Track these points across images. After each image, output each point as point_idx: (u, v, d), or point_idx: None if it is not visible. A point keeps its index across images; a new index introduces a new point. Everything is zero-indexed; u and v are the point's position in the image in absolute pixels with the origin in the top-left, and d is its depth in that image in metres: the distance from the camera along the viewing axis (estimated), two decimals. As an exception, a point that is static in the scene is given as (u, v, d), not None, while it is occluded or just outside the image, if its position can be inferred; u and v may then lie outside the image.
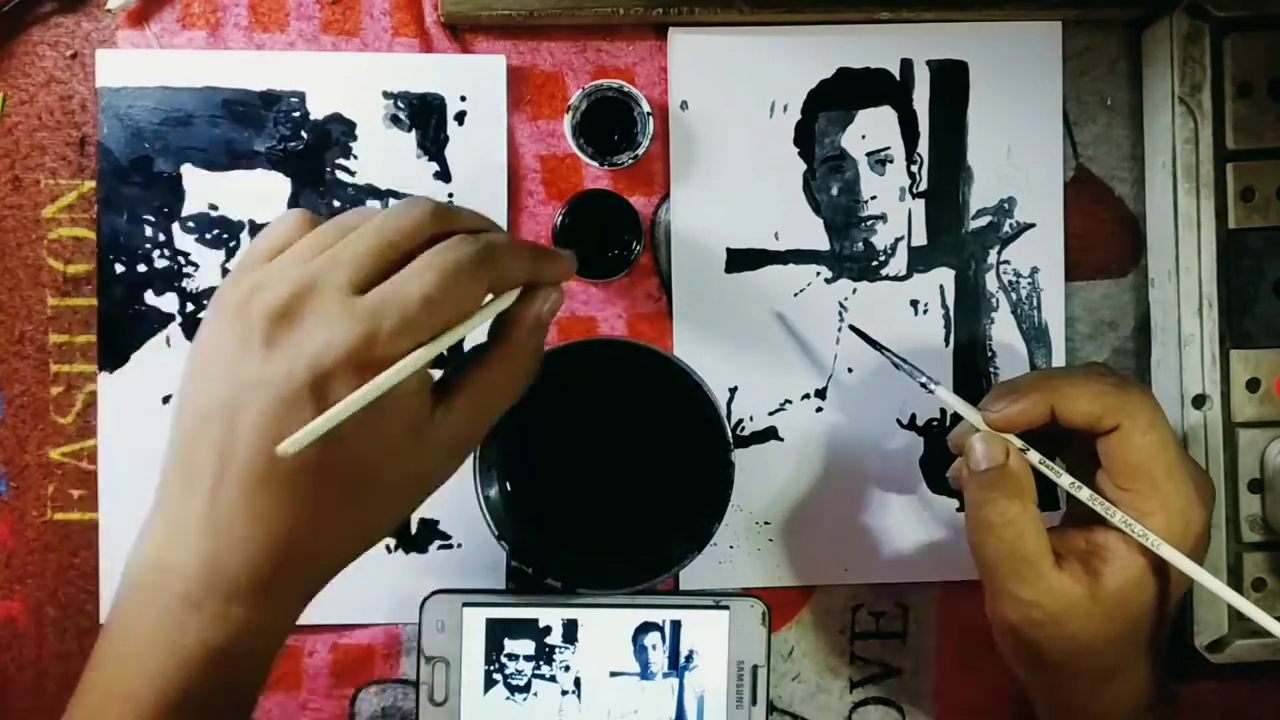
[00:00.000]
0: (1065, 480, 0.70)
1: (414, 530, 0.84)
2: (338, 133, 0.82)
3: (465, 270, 0.61)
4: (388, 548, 0.84)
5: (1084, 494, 0.69)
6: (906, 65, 0.84)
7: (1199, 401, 0.81)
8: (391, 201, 0.82)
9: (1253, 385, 0.81)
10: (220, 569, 0.61)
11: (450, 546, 0.84)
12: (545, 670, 0.83)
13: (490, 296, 0.65)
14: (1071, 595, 0.67)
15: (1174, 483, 0.68)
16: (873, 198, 0.85)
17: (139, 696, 0.61)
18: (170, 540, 0.62)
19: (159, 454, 0.76)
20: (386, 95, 0.82)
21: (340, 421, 0.57)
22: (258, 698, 0.66)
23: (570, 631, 0.83)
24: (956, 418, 0.73)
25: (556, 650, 0.83)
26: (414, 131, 0.83)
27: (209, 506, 0.60)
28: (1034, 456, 0.70)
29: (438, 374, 0.66)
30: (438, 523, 0.84)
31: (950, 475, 0.74)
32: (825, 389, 0.85)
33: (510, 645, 0.82)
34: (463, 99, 0.83)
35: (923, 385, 0.74)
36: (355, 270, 0.60)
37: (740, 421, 0.85)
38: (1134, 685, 0.71)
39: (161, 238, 0.82)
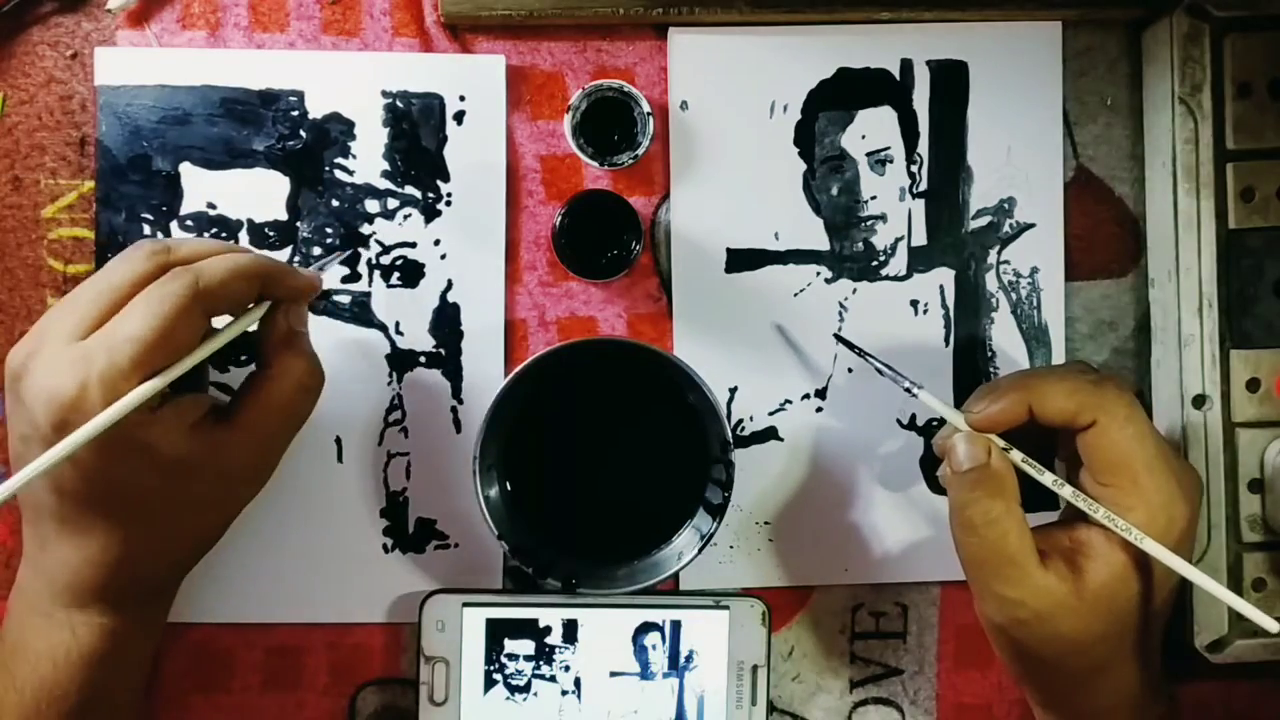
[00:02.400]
0: (1047, 478, 0.70)
1: (411, 530, 0.84)
2: (336, 132, 0.82)
3: (172, 307, 0.64)
4: (384, 547, 0.84)
5: (1066, 490, 0.70)
6: (906, 65, 0.85)
7: (1199, 402, 0.81)
8: (389, 202, 0.82)
9: (1253, 385, 0.81)
10: (57, 584, 0.70)
11: (447, 546, 0.84)
12: (545, 670, 0.83)
13: (228, 319, 0.70)
14: (1056, 593, 0.68)
15: (1154, 477, 0.68)
16: (873, 198, 0.85)
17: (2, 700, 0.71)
18: (25, 567, 0.72)
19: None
20: (385, 95, 0.82)
21: (38, 475, 0.62)
22: (130, 701, 0.76)
23: (570, 631, 0.83)
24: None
25: (556, 650, 0.83)
26: (412, 131, 0.83)
27: (36, 537, 0.70)
28: (1016, 455, 0.70)
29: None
30: (435, 522, 0.84)
31: (939, 475, 0.74)
32: (825, 389, 0.85)
33: (510, 645, 0.82)
34: (461, 99, 0.83)
35: (906, 390, 0.74)
36: (75, 319, 0.65)
37: (740, 421, 0.85)
38: (1126, 683, 0.71)
39: (160, 236, 0.81)
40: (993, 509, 0.68)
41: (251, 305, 0.70)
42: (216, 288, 0.66)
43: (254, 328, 0.71)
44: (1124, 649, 0.70)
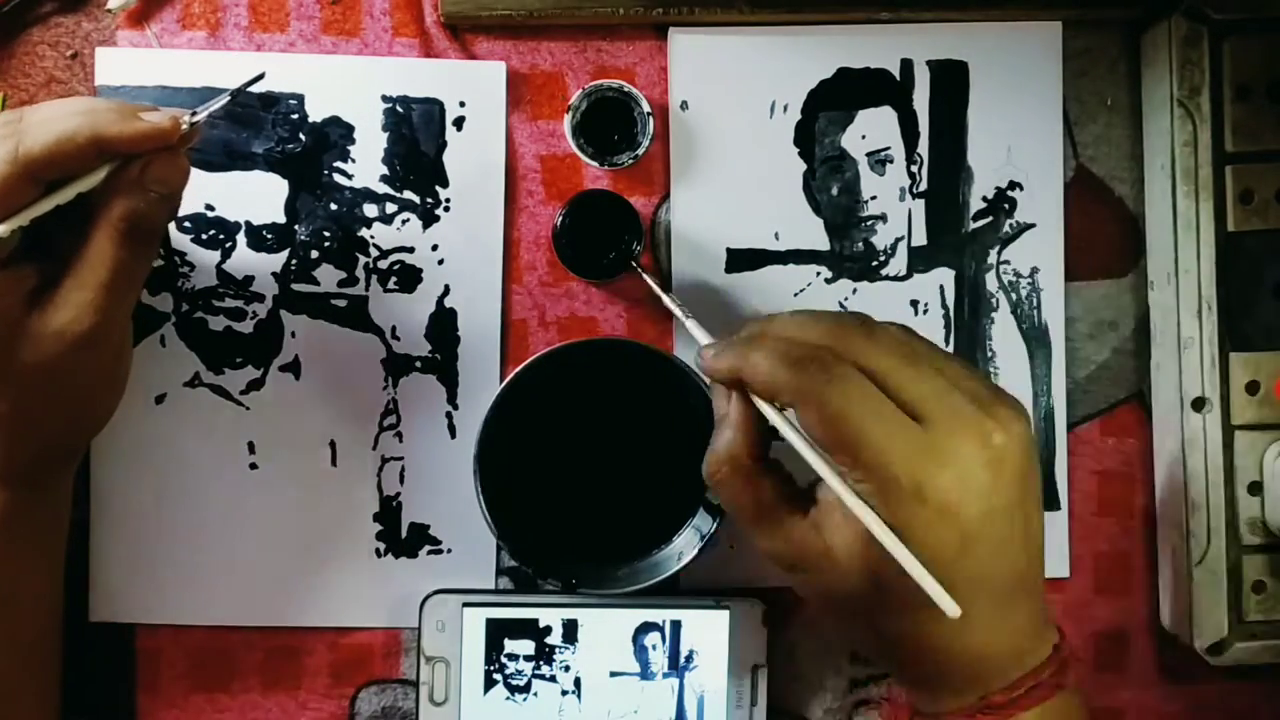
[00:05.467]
0: (794, 438, 0.65)
1: (404, 535, 0.84)
2: (336, 135, 0.82)
3: None
4: (377, 552, 0.84)
5: (808, 454, 0.65)
6: (906, 65, 0.84)
7: (1198, 404, 0.81)
8: (387, 206, 0.83)
9: (1252, 388, 0.81)
10: None
11: (440, 552, 0.84)
12: (545, 670, 0.83)
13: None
14: (803, 543, 0.66)
15: (869, 450, 0.61)
16: (873, 198, 0.85)
17: None
18: None
19: (150, 455, 0.81)
20: (385, 99, 0.82)
21: None
22: (37, 592, 0.76)
23: (570, 631, 0.83)
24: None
25: (556, 650, 0.83)
26: (412, 136, 0.83)
27: None
28: (766, 410, 0.66)
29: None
30: (428, 527, 0.84)
31: None
32: (825, 389, 0.85)
33: (510, 645, 0.82)
34: (461, 105, 0.83)
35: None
36: None
37: (740, 421, 0.85)
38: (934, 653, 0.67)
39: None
40: (729, 461, 0.67)
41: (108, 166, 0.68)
42: (39, 153, 0.63)
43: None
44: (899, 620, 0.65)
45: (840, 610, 0.68)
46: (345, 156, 0.82)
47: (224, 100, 0.71)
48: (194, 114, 0.69)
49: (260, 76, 0.72)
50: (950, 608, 0.60)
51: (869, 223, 0.85)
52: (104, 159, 0.67)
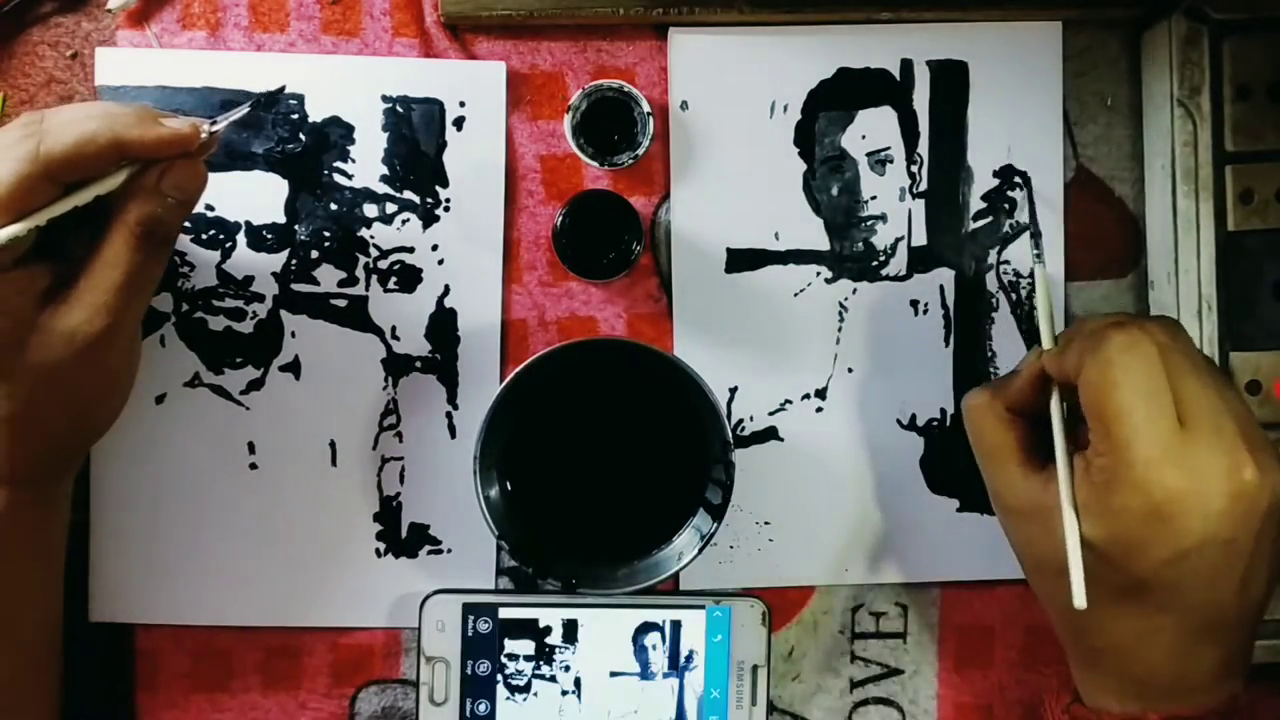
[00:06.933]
0: (1056, 419, 0.70)
1: (404, 534, 0.84)
2: (336, 136, 0.82)
3: (8, 172, 0.64)
4: (377, 552, 0.84)
5: (1056, 422, 0.70)
6: (906, 65, 0.84)
7: (1199, 404, 0.81)
8: (387, 206, 0.83)
9: (1253, 388, 0.81)
10: None
11: (440, 551, 0.84)
12: (545, 670, 0.83)
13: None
14: (1019, 492, 0.71)
15: (1124, 428, 0.63)
16: (873, 198, 0.85)
17: None
18: None
19: (150, 455, 0.81)
20: (385, 99, 0.82)
21: None
22: (38, 589, 0.76)
23: (570, 631, 0.83)
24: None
25: (556, 650, 0.83)
26: (412, 136, 0.83)
27: None
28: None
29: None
30: (428, 527, 0.84)
31: None
32: (825, 389, 0.85)
33: (510, 645, 0.82)
34: (461, 104, 0.83)
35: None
36: None
37: (740, 421, 0.85)
38: (1118, 634, 0.68)
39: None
40: (989, 397, 0.74)
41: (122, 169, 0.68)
42: (59, 153, 0.64)
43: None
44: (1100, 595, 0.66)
45: (1038, 568, 0.72)
46: (345, 156, 0.82)
47: (244, 110, 0.72)
48: (214, 122, 0.70)
49: (282, 89, 0.74)
50: (1079, 599, 0.63)
51: (869, 223, 0.85)
52: (123, 163, 0.67)
